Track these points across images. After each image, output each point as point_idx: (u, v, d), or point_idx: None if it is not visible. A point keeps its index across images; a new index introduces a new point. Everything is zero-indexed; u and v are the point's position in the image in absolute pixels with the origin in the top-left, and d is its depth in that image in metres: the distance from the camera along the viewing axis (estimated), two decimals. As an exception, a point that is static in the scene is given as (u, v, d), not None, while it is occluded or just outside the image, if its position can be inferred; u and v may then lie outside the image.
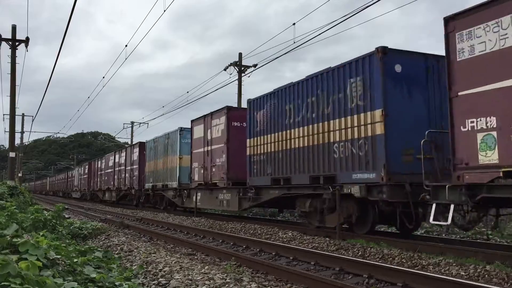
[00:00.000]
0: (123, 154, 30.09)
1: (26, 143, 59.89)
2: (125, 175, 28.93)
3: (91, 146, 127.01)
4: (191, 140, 19.14)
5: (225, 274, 5.85)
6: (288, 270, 6.44)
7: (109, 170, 33.39)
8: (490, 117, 7.13)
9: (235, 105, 23.33)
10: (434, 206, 7.80)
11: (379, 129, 9.55)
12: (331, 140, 10.92)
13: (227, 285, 5.27)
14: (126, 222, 15.25)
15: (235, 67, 25.05)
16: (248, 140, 14.73)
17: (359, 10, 12.16)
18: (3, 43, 23.44)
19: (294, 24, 15.93)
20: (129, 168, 28.32)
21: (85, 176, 42.53)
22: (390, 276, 5.88)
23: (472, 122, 7.39)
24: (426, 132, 8.92)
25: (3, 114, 52.30)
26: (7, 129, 25.91)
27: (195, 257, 8.46)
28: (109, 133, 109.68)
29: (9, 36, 23.44)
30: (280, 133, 13.03)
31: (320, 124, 11.33)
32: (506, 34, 6.90)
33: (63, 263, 4.14)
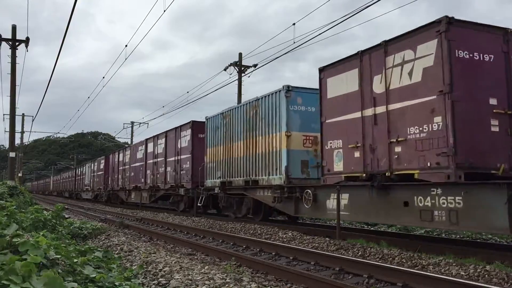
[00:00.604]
0: (161, 141, 22.63)
1: (26, 143, 59.95)
2: (165, 169, 21.72)
3: (91, 146, 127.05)
4: (328, 101, 10.99)
5: (225, 274, 5.85)
6: (288, 270, 6.44)
7: (138, 164, 26.25)
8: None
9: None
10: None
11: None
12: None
13: (227, 285, 5.27)
14: (126, 222, 15.25)
15: (235, 67, 25.05)
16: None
17: (359, 10, 12.19)
18: (3, 43, 23.46)
19: (294, 24, 15.94)
20: (172, 159, 20.87)
21: (101, 172, 35.66)
22: (390, 276, 5.88)
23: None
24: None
25: (3, 114, 52.42)
26: (7, 129, 25.96)
27: (195, 257, 8.47)
28: (109, 133, 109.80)
29: (9, 36, 23.47)
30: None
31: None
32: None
33: (63, 263, 4.14)
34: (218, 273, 5.90)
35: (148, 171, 24.32)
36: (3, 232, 4.44)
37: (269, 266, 6.86)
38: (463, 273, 6.22)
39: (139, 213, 20.99)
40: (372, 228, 13.25)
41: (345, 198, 10.28)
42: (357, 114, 9.88)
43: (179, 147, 20.29)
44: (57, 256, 4.09)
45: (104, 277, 4.10)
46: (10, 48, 23.58)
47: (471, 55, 8.16)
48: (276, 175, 13.17)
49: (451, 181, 7.62)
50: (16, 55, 23.61)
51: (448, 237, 11.21)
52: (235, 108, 16.07)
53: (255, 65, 24.14)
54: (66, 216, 13.41)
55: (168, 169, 21.32)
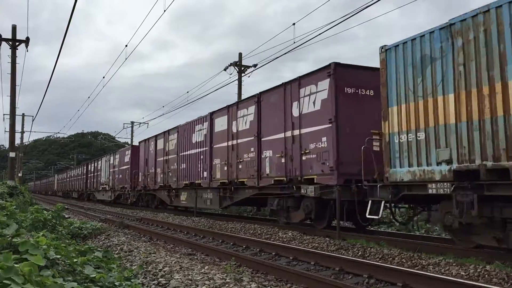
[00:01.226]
0: (246, 111, 14.39)
1: (26, 143, 59.86)
2: (258, 154, 13.49)
3: (91, 146, 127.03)
4: None
5: (225, 274, 5.85)
6: (288, 270, 6.44)
7: (193, 152, 18.44)
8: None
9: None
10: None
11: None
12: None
13: (227, 285, 5.27)
14: (126, 222, 15.25)
15: (235, 67, 25.04)
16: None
17: (359, 10, 12.18)
18: (3, 43, 23.46)
19: (294, 24, 15.94)
20: (280, 136, 12.48)
21: (125, 167, 28.26)
22: (390, 276, 5.88)
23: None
24: None
25: (3, 114, 52.54)
26: (7, 129, 25.96)
27: (195, 257, 8.46)
28: (109, 133, 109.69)
29: (9, 36, 23.47)
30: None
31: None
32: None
33: (63, 263, 4.14)
34: (218, 273, 5.90)
35: (217, 161, 16.12)
36: (3, 231, 4.44)
37: (269, 266, 6.86)
38: (463, 273, 6.22)
39: (138, 213, 20.98)
40: (372, 228, 13.24)
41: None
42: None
43: (296, 114, 11.88)
44: (57, 256, 4.09)
45: (104, 277, 4.09)
46: (10, 48, 23.60)
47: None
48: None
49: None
50: (16, 55, 23.63)
51: (448, 237, 11.20)
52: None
53: (255, 65, 24.13)
54: (66, 216, 13.41)
55: (267, 153, 13.10)
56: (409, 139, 8.35)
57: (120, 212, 22.48)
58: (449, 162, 7.54)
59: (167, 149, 21.63)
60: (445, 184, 7.56)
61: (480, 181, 6.99)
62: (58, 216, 9.98)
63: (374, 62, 12.23)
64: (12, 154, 24.18)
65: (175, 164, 20.35)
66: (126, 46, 19.94)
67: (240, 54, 25.01)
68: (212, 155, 16.62)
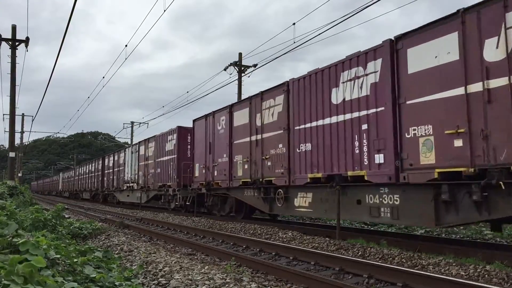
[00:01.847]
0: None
1: (26, 143, 59.88)
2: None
3: (91, 146, 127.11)
4: None
5: (225, 274, 5.85)
6: (288, 270, 6.44)
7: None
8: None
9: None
10: None
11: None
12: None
13: (227, 285, 5.27)
14: (126, 222, 15.25)
15: (235, 67, 25.05)
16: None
17: (359, 10, 12.18)
18: (3, 43, 23.47)
19: (294, 24, 15.94)
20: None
21: (167, 158, 21.16)
22: (390, 276, 5.88)
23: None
24: None
25: (3, 114, 52.51)
26: (7, 129, 25.96)
27: (195, 257, 8.47)
28: (109, 133, 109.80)
29: (9, 36, 23.48)
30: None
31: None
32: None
33: (63, 263, 4.14)
34: (218, 273, 5.90)
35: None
36: (3, 231, 4.44)
37: (269, 266, 6.86)
38: (463, 273, 6.22)
39: (139, 213, 20.98)
40: (372, 228, 13.25)
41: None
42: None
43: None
44: (57, 256, 4.09)
45: (104, 277, 4.10)
46: (10, 48, 23.61)
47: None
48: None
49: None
50: (16, 55, 23.66)
51: (448, 237, 11.21)
52: None
53: (255, 65, 24.15)
54: (66, 216, 13.41)
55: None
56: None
57: (120, 212, 22.48)
58: None
59: (258, 124, 13.54)
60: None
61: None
62: (58, 216, 9.99)
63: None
64: (12, 154, 24.18)
65: (279, 146, 12.47)
66: (126, 46, 19.94)
67: (240, 54, 25.03)
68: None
